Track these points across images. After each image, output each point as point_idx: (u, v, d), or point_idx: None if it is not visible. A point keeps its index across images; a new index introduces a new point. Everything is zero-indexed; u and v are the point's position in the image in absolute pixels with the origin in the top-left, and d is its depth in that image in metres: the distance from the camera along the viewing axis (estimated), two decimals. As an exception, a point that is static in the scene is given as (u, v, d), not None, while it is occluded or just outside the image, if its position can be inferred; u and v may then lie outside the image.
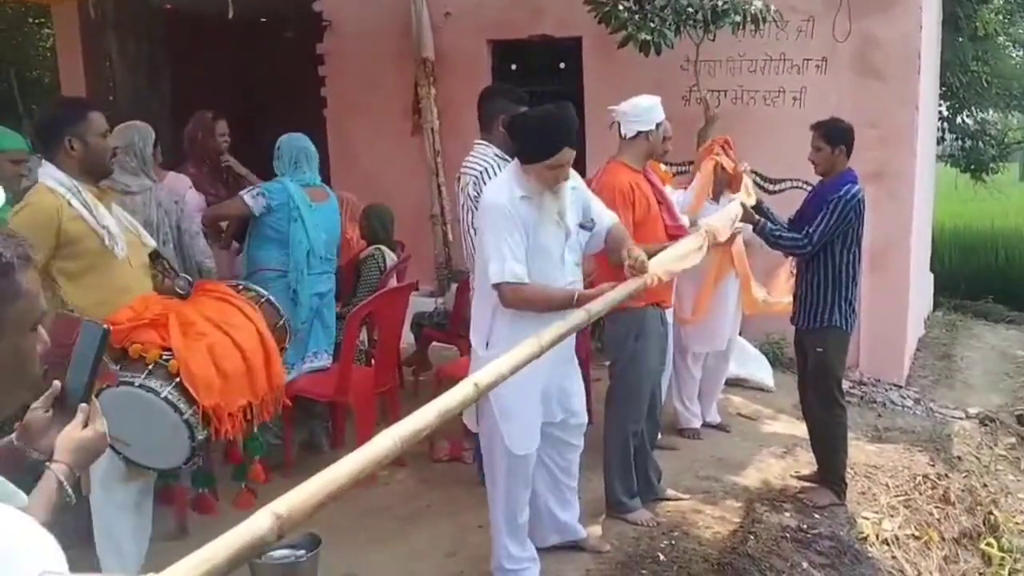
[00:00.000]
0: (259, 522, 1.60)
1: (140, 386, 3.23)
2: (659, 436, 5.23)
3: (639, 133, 4.52)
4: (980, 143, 12.80)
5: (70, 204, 3.37)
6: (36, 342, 1.28)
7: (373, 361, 5.57)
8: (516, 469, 3.81)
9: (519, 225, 3.54)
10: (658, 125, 4.53)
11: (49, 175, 3.41)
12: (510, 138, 3.81)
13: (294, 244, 4.95)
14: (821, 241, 4.77)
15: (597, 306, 3.34)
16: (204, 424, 3.30)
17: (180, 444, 3.30)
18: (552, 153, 3.49)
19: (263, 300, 3.84)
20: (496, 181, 3.81)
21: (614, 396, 4.58)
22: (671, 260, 3.92)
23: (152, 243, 3.82)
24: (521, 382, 3.03)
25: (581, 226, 3.77)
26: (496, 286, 3.55)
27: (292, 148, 5.09)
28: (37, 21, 13.05)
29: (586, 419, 4.09)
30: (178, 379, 3.26)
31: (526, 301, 3.56)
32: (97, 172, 3.54)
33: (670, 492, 4.86)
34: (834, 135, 4.89)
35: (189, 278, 3.87)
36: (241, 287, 3.92)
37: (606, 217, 3.91)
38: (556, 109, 3.57)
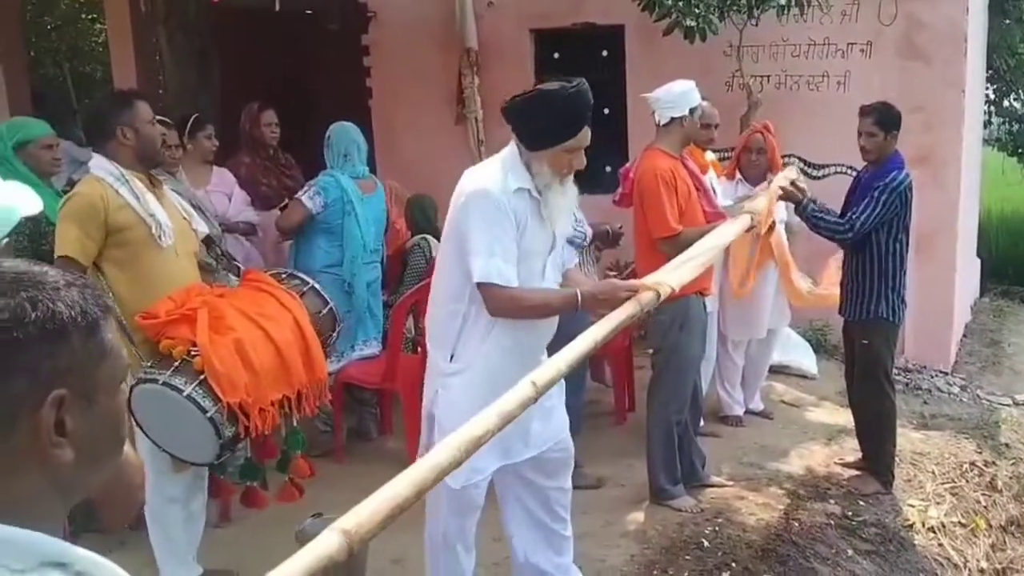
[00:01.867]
0: (327, 541, 1.58)
1: (164, 384, 3.24)
2: (701, 423, 5.26)
3: (672, 119, 4.45)
4: (1028, 127, 12.59)
5: (117, 193, 3.42)
6: (124, 400, 1.14)
7: (420, 349, 5.64)
8: (455, 504, 3.29)
9: (512, 220, 3.05)
10: (692, 110, 4.46)
11: (99, 166, 3.47)
12: (511, 121, 3.21)
13: (349, 238, 5.02)
14: (863, 230, 4.66)
15: (603, 330, 2.84)
16: (231, 421, 3.28)
17: (208, 441, 3.30)
18: (573, 133, 3.09)
19: (307, 288, 3.80)
20: (484, 169, 3.27)
21: (658, 385, 4.60)
22: (691, 266, 3.56)
23: (205, 229, 3.87)
24: (470, 406, 2.54)
25: (570, 241, 3.41)
26: (481, 287, 3.04)
27: (343, 140, 5.15)
28: (90, 16, 13.29)
29: (571, 449, 3.50)
30: (203, 376, 3.24)
31: (519, 305, 3.06)
32: (149, 159, 3.60)
33: (714, 478, 4.88)
34: (887, 121, 4.77)
35: (240, 265, 3.94)
36: (284, 275, 3.90)
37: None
38: (574, 84, 3.11)
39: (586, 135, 3.14)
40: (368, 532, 1.64)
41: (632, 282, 3.19)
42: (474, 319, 3.14)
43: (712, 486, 4.83)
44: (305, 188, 5.13)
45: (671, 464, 4.61)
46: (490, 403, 2.30)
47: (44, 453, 1.00)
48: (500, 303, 3.04)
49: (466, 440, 2.07)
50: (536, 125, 3.11)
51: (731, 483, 4.86)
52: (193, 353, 3.27)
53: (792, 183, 4.80)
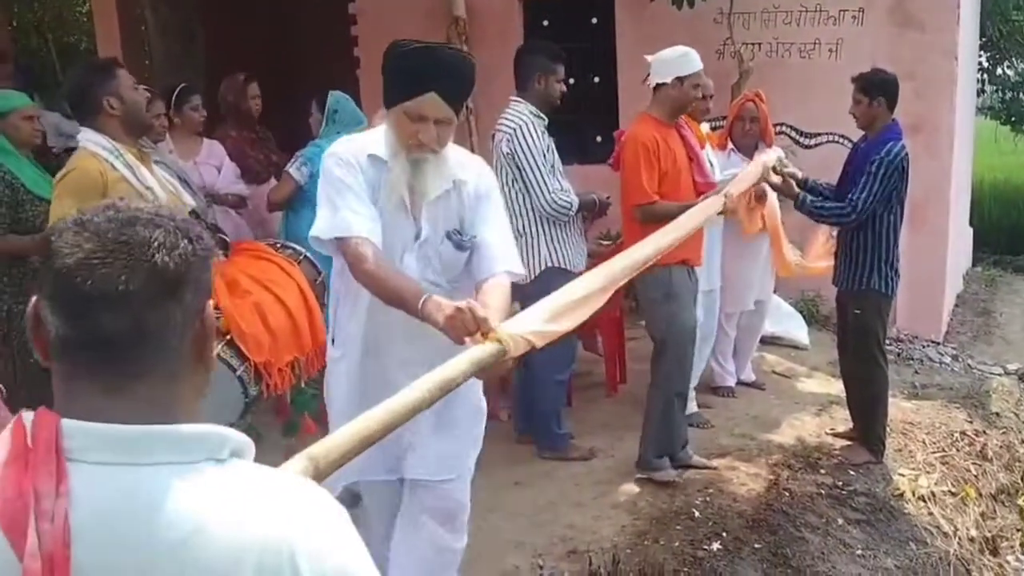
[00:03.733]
0: (294, 466, 1.63)
1: None
2: (691, 403, 5.24)
3: (666, 84, 4.37)
4: (1021, 95, 12.57)
5: (113, 167, 3.39)
6: None
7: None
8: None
9: (360, 179, 2.68)
10: (681, 78, 4.34)
11: (89, 139, 3.42)
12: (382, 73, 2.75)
13: None
14: (867, 209, 4.59)
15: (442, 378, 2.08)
16: (256, 380, 3.38)
17: (234, 400, 3.36)
18: (409, 93, 2.60)
19: (301, 257, 3.88)
20: (354, 134, 2.99)
21: (660, 360, 4.51)
22: (588, 306, 2.75)
23: (192, 202, 3.84)
24: (347, 397, 2.51)
25: (448, 236, 2.75)
26: (333, 246, 2.69)
27: (331, 108, 5.01)
28: (74, -13, 13.13)
29: (458, 475, 3.06)
30: (228, 337, 3.31)
31: (361, 267, 2.58)
32: (138, 126, 3.56)
33: (696, 459, 4.76)
34: (872, 86, 4.70)
35: (226, 238, 3.91)
36: (279, 245, 3.96)
37: (497, 260, 2.77)
38: (438, 46, 2.76)
39: (433, 105, 2.59)
40: (334, 461, 1.70)
41: (484, 318, 2.32)
42: (344, 294, 2.87)
43: (695, 467, 4.71)
44: (292, 160, 5.06)
45: (664, 438, 4.55)
46: (369, 393, 2.18)
47: (208, 352, 1.17)
48: (348, 260, 2.64)
49: (439, 382, 2.04)
50: (384, 76, 2.70)
51: (715, 465, 4.76)
52: (215, 316, 3.30)
53: (781, 173, 4.78)
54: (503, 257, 2.77)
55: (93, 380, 1.07)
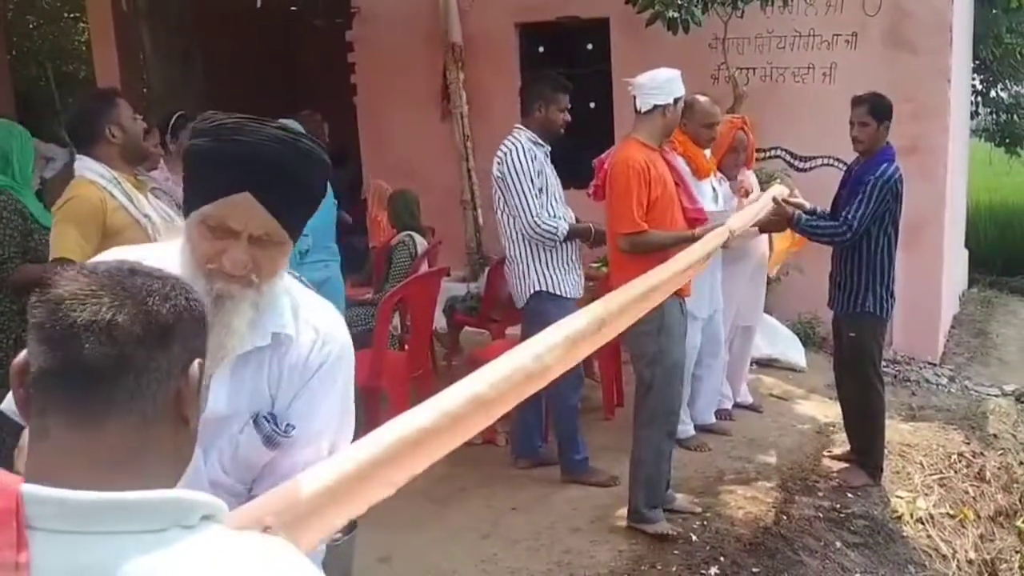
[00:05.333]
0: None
1: None
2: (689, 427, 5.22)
3: (655, 107, 4.18)
4: (1015, 116, 12.60)
5: (112, 195, 3.40)
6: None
7: (405, 346, 5.62)
8: None
9: None
10: (676, 100, 4.24)
11: (87, 167, 3.44)
12: None
13: None
14: (861, 227, 4.61)
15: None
16: None
17: None
18: (214, 192, 1.67)
19: None
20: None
21: (645, 400, 4.28)
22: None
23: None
24: None
25: (256, 421, 1.82)
26: None
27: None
28: (72, 15, 13.22)
29: None
30: None
31: None
32: (137, 155, 3.61)
33: (679, 502, 4.51)
34: (880, 111, 4.73)
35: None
36: None
37: (309, 447, 1.85)
38: (263, 124, 1.73)
39: (246, 211, 1.66)
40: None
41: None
42: None
43: (676, 510, 4.44)
44: None
45: (653, 486, 4.28)
46: None
47: (189, 413, 1.13)
48: None
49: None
50: (183, 170, 1.80)
51: (698, 508, 4.50)
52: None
53: (788, 202, 4.77)
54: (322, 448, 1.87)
55: (67, 413, 1.05)
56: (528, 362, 2.01)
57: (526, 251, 4.65)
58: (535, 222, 4.54)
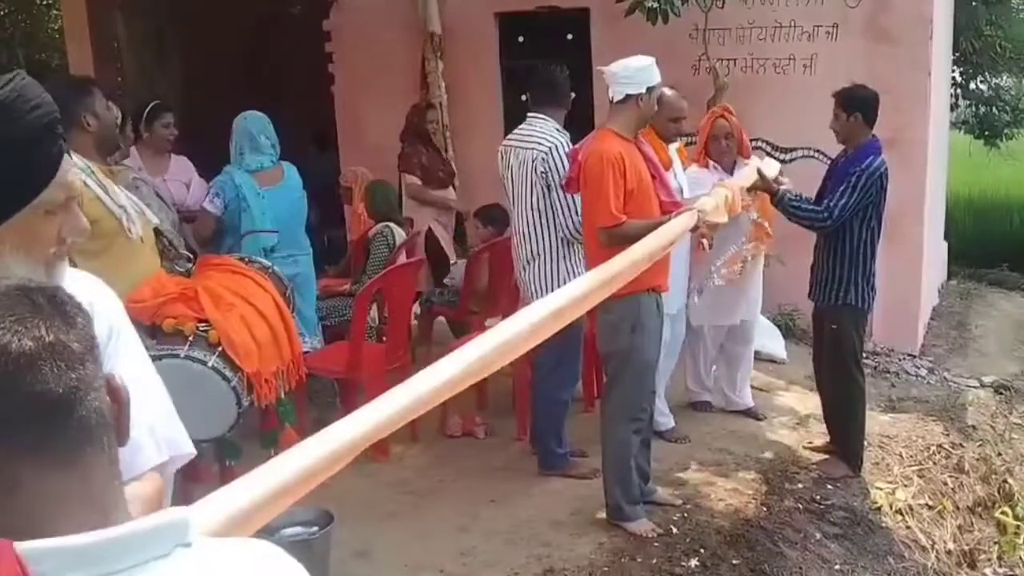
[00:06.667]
0: None
1: (186, 357, 3.34)
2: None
3: (628, 97, 4.08)
4: (994, 109, 12.69)
5: (87, 185, 3.34)
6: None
7: (383, 338, 5.57)
8: None
9: None
10: (650, 89, 4.13)
11: None
12: None
13: (247, 236, 4.76)
14: (843, 216, 4.61)
15: None
16: (248, 390, 3.45)
17: (227, 411, 3.42)
18: (25, 194, 1.50)
19: (269, 271, 3.94)
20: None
21: (612, 395, 4.24)
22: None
23: (155, 220, 3.81)
24: None
25: None
26: None
27: (235, 134, 4.87)
28: (45, 3, 13.04)
29: None
30: (220, 348, 3.38)
31: None
32: (110, 144, 3.60)
33: (659, 495, 4.48)
34: (849, 102, 4.72)
35: (190, 255, 3.90)
36: (247, 259, 4.01)
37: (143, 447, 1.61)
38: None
39: (52, 198, 1.52)
40: None
41: None
42: None
43: (657, 503, 4.43)
44: (206, 192, 4.90)
45: (627, 482, 4.20)
46: None
47: (125, 422, 1.06)
48: None
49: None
50: None
51: (679, 501, 4.49)
52: (203, 329, 3.40)
53: (774, 179, 4.76)
54: (154, 438, 1.65)
55: (38, 455, 0.95)
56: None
57: (556, 247, 4.60)
58: (578, 220, 4.41)
